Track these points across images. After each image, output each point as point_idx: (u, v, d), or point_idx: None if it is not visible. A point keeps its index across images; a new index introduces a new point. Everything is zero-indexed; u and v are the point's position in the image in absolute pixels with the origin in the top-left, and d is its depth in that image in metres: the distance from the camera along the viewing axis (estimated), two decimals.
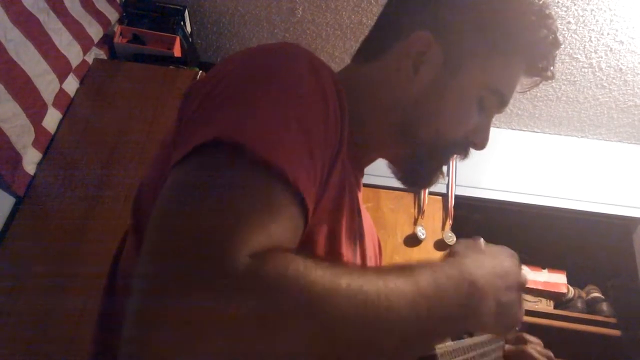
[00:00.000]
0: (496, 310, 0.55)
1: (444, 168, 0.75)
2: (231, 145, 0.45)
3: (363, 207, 0.72)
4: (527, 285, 0.63)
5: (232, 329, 0.38)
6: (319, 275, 0.41)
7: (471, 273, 0.53)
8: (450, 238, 2.08)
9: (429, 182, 0.74)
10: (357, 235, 0.65)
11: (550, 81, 0.74)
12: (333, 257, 0.58)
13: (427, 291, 0.47)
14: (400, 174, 0.74)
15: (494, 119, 0.73)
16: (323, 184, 0.53)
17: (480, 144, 0.72)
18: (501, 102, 0.70)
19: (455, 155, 0.72)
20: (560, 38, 0.72)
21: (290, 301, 0.39)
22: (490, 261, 0.58)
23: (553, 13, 0.71)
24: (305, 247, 0.49)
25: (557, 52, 0.72)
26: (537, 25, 0.70)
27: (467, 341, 0.62)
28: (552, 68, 0.72)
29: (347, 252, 0.60)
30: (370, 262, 0.71)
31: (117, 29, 2.03)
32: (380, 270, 0.46)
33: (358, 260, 0.65)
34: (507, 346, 0.72)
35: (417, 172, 0.73)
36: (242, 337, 0.38)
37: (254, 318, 0.38)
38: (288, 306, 0.39)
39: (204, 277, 0.38)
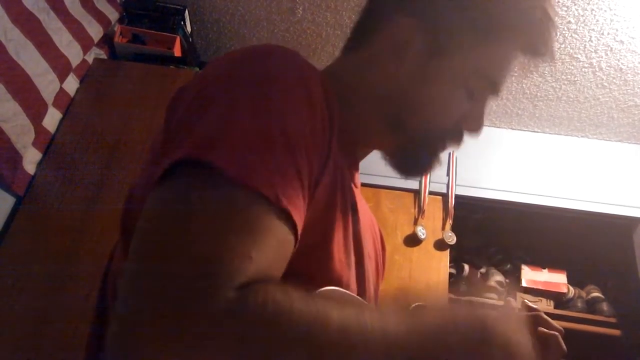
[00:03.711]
0: None
1: (443, 158, 0.73)
2: (208, 164, 0.43)
3: (363, 203, 0.71)
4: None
5: None
6: (305, 312, 0.40)
7: None
8: (450, 238, 2.08)
9: (424, 170, 0.73)
10: (353, 233, 0.63)
11: (551, 61, 0.71)
12: (324, 257, 0.57)
13: None
14: (394, 163, 0.73)
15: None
16: (312, 190, 0.51)
17: (474, 131, 0.70)
18: (493, 88, 0.69)
19: (449, 143, 0.71)
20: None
21: (275, 340, 0.39)
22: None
23: None
24: (297, 250, 0.48)
25: (551, 28, 0.68)
26: (524, 3, 0.67)
27: None
28: (548, 46, 0.69)
29: (339, 252, 0.59)
30: (370, 259, 0.70)
31: (117, 28, 2.03)
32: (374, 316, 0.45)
33: (352, 260, 0.63)
34: None
35: (411, 162, 0.72)
36: None
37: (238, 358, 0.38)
38: (272, 346, 0.39)
39: (187, 317, 0.37)
